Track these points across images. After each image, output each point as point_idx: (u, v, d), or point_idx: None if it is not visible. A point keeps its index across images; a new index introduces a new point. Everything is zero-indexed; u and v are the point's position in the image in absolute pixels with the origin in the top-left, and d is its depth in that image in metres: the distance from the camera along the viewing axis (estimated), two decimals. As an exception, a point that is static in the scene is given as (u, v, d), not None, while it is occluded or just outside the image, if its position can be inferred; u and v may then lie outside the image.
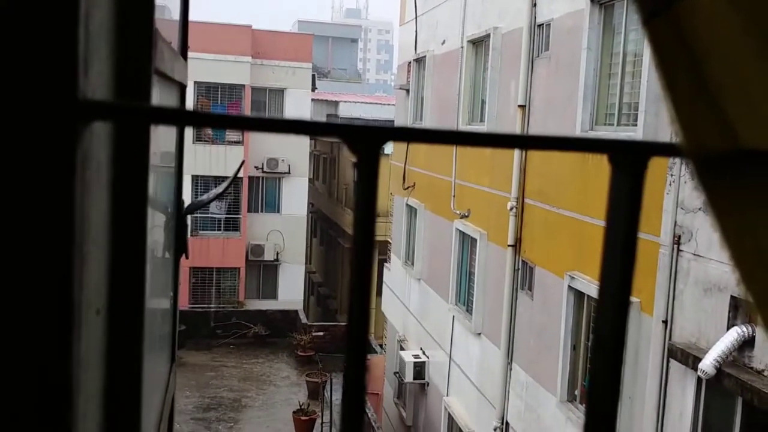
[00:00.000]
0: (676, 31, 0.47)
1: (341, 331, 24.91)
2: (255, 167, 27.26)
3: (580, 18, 9.29)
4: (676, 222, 7.23)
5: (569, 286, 9.37)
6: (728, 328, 6.43)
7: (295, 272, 28.49)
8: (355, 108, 35.21)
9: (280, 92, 27.92)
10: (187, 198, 2.32)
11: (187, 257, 2.01)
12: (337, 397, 20.27)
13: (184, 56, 2.02)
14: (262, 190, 28.17)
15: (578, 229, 9.21)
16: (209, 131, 26.81)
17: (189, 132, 23.41)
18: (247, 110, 26.99)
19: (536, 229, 10.61)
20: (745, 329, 6.26)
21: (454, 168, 13.72)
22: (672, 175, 7.29)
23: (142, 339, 0.90)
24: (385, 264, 19.45)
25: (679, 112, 0.50)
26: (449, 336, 14.01)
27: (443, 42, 14.91)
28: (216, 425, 19.24)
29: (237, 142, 26.86)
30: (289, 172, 27.83)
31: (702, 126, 0.49)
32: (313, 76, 29.05)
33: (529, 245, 10.81)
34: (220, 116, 0.47)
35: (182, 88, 1.97)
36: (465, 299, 13.58)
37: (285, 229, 27.98)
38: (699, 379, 6.76)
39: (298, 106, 27.83)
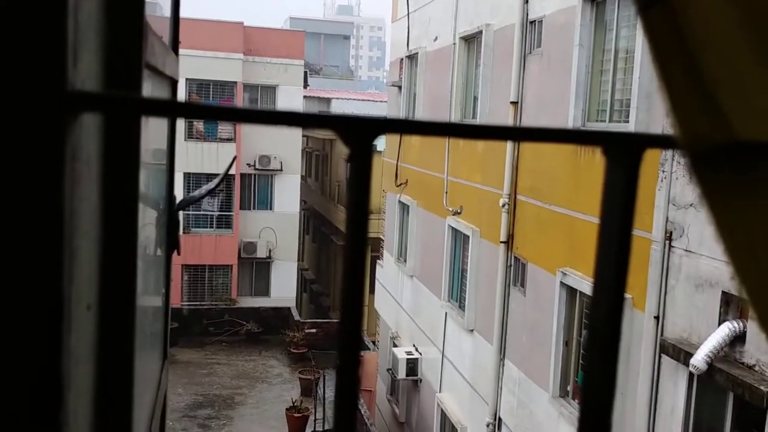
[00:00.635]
0: (671, 22, 0.47)
1: (334, 328, 24.91)
2: (247, 164, 27.21)
3: (572, 14, 9.30)
4: (667, 218, 7.25)
5: (561, 282, 9.39)
6: (719, 324, 6.46)
7: (287, 269, 28.47)
8: (347, 105, 35.19)
9: (272, 89, 27.88)
10: (179, 195, 2.31)
11: (179, 253, 2.00)
12: (329, 394, 20.27)
13: (176, 51, 2.01)
14: (255, 187, 28.13)
15: (570, 225, 9.23)
16: (201, 128, 26.75)
17: (180, 129, 23.35)
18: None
19: (528, 225, 10.63)
20: (736, 324, 6.29)
21: (446, 165, 13.73)
22: (664, 171, 7.31)
23: (134, 334, 0.89)
24: (378, 261, 19.45)
25: (674, 103, 0.49)
26: (442, 332, 14.03)
27: (435, 39, 14.91)
28: (209, 423, 19.21)
29: (229, 140, 26.81)
30: (281, 170, 27.80)
31: (697, 118, 0.49)
32: (305, 73, 29.01)
33: (522, 242, 10.83)
34: (211, 108, 0.47)
35: (173, 83, 1.96)
36: (458, 296, 13.60)
37: (277, 227, 27.96)
38: (690, 375, 6.79)
39: (290, 103, 27.79)
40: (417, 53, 15.98)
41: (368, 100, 36.92)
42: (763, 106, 0.46)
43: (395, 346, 16.68)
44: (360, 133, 0.46)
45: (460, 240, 13.45)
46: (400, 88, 17.30)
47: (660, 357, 7.31)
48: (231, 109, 0.48)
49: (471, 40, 13.12)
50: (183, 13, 2.55)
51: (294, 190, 28.56)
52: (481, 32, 12.31)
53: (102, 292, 0.79)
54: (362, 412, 16.62)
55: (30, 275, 0.49)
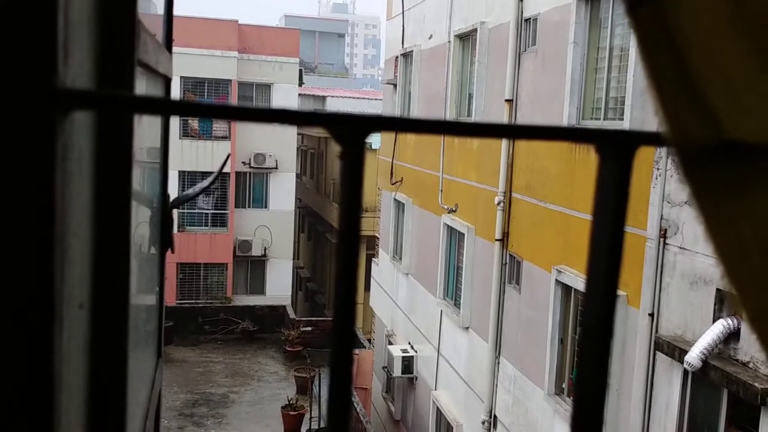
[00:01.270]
0: (660, 20, 0.47)
1: (329, 326, 24.88)
2: (242, 163, 27.18)
3: (567, 12, 9.31)
4: (662, 215, 7.27)
5: (556, 279, 9.40)
6: (714, 321, 6.48)
7: (282, 267, 28.46)
8: (342, 103, 35.18)
9: (267, 87, 27.84)
10: (173, 193, 2.31)
11: (172, 252, 2.00)
12: (325, 392, 20.25)
13: (169, 49, 2.01)
14: (250, 185, 28.10)
15: (565, 223, 9.25)
16: (196, 126, 26.71)
17: (175, 127, 23.30)
18: (233, 105, 26.86)
19: (523, 223, 10.64)
20: (730, 322, 6.30)
21: (441, 163, 13.73)
22: (658, 169, 7.32)
23: (127, 333, 0.89)
24: (373, 259, 19.45)
25: (663, 102, 0.49)
26: (437, 330, 14.04)
27: (430, 36, 14.91)
28: (204, 421, 19.20)
29: (224, 138, 26.78)
30: (276, 168, 27.77)
31: (686, 117, 0.49)
32: (300, 71, 28.98)
33: (517, 239, 10.84)
34: (203, 105, 0.47)
35: (167, 81, 1.96)
36: (453, 293, 13.61)
37: (273, 225, 27.94)
38: (685, 372, 6.81)
39: (285, 101, 27.75)
40: (412, 51, 15.98)
41: (363, 98, 36.92)
42: (751, 105, 0.46)
43: (391, 343, 16.69)
44: (352, 130, 0.46)
45: (455, 238, 13.46)
46: (395, 86, 17.29)
47: (655, 354, 7.33)
48: (223, 107, 0.48)
49: (466, 38, 13.12)
50: (177, 11, 2.55)
51: (289, 188, 28.53)
52: (475, 30, 12.31)
53: (95, 291, 0.79)
54: (358, 410, 16.63)
55: (21, 274, 0.49)
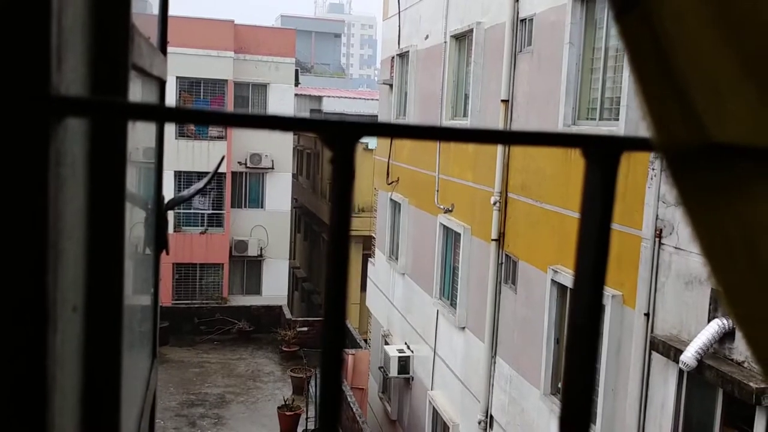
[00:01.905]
0: (646, 25, 0.47)
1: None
2: (238, 163, 27.16)
3: (563, 13, 9.32)
4: (657, 215, 7.29)
5: (552, 279, 9.42)
6: (709, 321, 6.49)
7: (279, 268, 28.44)
8: (338, 103, 35.15)
9: (263, 87, 27.82)
10: (170, 194, 2.31)
11: (167, 253, 2.01)
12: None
13: (164, 51, 2.01)
14: (246, 185, 28.08)
15: (561, 223, 9.26)
16: (192, 127, 26.67)
17: (171, 127, 23.26)
18: (230, 105, 26.86)
19: (519, 223, 10.65)
20: (725, 321, 6.32)
21: (437, 163, 13.74)
22: (653, 169, 7.34)
23: (121, 335, 0.89)
24: (370, 259, 19.45)
25: (650, 107, 0.50)
26: (434, 330, 14.05)
27: (426, 37, 14.92)
28: (200, 422, 19.18)
29: (220, 138, 26.75)
30: (272, 168, 27.76)
31: (672, 121, 0.50)
32: (296, 71, 28.96)
33: (513, 239, 10.86)
34: (196, 111, 0.47)
35: (161, 84, 1.96)
36: (449, 293, 13.62)
37: (269, 225, 27.92)
38: (680, 371, 6.82)
39: (281, 101, 27.74)
40: (408, 51, 15.99)
41: (359, 98, 36.89)
42: (735, 108, 0.47)
43: (387, 344, 16.69)
44: (342, 136, 0.47)
45: (451, 238, 13.47)
46: (391, 86, 17.30)
47: (650, 354, 7.35)
48: (216, 114, 0.48)
49: (462, 38, 13.13)
50: (173, 11, 2.55)
51: (285, 189, 28.52)
52: (471, 30, 12.33)
53: (88, 294, 0.80)
54: (354, 410, 16.63)
55: (14, 278, 0.49)
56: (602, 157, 0.51)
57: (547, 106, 9.67)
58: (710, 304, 6.57)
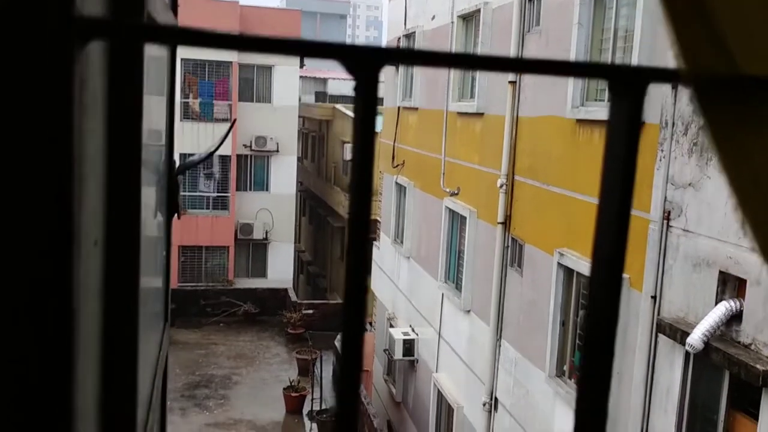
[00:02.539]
0: None
1: (331, 308, 24.98)
2: (243, 145, 27.14)
3: (571, -7, 9.25)
4: (666, 198, 7.26)
5: (558, 263, 9.41)
6: (716, 303, 6.48)
7: (284, 251, 28.49)
8: (344, 85, 35.05)
9: (268, 69, 27.73)
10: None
11: (179, 217, 2.01)
12: (326, 373, 20.37)
13: (175, 13, 2.00)
14: (251, 168, 28.07)
15: (568, 205, 9.24)
16: (197, 109, 26.64)
17: (176, 110, 23.19)
18: (234, 87, 26.82)
19: (526, 206, 10.63)
20: (733, 304, 6.31)
21: (443, 145, 13.70)
22: (662, 150, 7.31)
23: (138, 271, 0.89)
24: (375, 242, 19.46)
25: (678, 34, 0.49)
26: (438, 313, 14.08)
27: (433, 17, 14.83)
28: (206, 402, 19.31)
29: (225, 120, 26.71)
30: (277, 151, 27.74)
31: (701, 48, 0.49)
32: (302, 53, 28.81)
33: (519, 222, 10.84)
34: (215, 35, 0.47)
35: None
36: (454, 277, 13.62)
37: (274, 208, 27.94)
38: (687, 354, 6.82)
39: (286, 82, 27.68)
40: (414, 32, 15.90)
41: (365, 82, 36.67)
42: (763, 43, 0.47)
43: (392, 326, 16.74)
44: (366, 62, 0.46)
45: (457, 221, 13.46)
46: (397, 67, 17.22)
47: (657, 336, 7.35)
48: (234, 37, 0.48)
49: (469, 18, 13.05)
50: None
51: (290, 172, 28.51)
52: (479, 10, 12.25)
53: (108, 228, 0.79)
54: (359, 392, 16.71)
55: (41, 206, 0.49)
56: (628, 88, 0.51)
57: (555, 86, 9.62)
58: (718, 287, 6.56)
